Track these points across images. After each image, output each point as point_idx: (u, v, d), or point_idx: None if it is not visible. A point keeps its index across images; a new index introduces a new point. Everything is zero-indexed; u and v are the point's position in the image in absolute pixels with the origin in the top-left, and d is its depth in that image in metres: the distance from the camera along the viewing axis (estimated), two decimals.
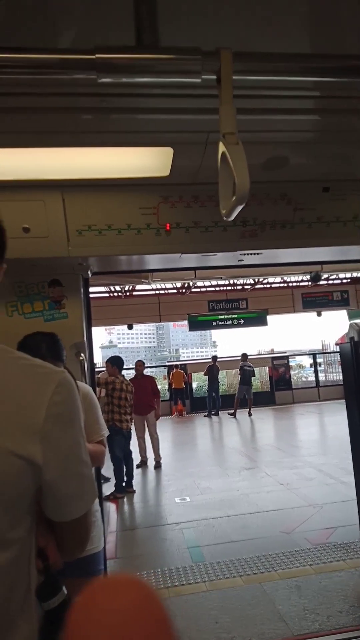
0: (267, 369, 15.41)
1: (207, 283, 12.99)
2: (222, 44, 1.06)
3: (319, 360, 16.39)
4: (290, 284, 13.66)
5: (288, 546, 3.98)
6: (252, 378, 13.06)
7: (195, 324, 13.02)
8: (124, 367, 6.55)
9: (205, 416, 12.97)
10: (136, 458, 7.02)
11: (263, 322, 13.27)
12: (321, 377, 15.98)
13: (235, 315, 12.97)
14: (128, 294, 12.71)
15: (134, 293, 12.86)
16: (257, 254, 2.48)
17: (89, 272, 2.46)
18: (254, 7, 1.21)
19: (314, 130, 1.95)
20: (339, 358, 5.88)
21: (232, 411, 12.41)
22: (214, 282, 12.96)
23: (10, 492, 0.72)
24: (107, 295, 12.48)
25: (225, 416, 12.60)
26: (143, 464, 7.50)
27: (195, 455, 8.60)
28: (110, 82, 1.04)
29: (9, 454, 0.71)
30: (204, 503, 5.48)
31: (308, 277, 11.41)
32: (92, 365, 2.53)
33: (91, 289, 2.90)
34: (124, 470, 6.15)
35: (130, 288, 12.22)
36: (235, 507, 5.24)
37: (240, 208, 1.07)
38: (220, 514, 5.05)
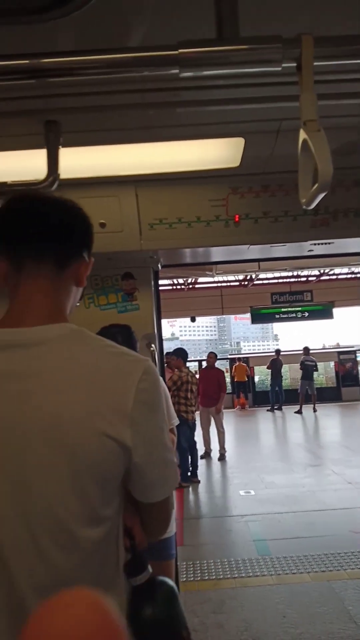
0: (332, 364, 14.81)
1: (269, 275, 12.70)
2: (302, 30, 1.04)
3: None
4: (358, 275, 12.98)
5: (357, 546, 3.85)
6: (315, 373, 12.63)
7: (258, 317, 12.77)
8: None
9: (268, 410, 12.77)
10: (200, 449, 7.10)
11: (329, 315, 12.72)
12: None
13: (299, 308, 12.53)
14: (191, 286, 12.76)
15: (197, 286, 12.89)
16: (328, 243, 2.40)
17: (159, 265, 2.52)
18: None
19: None
20: None
21: (298, 409, 12.08)
22: (277, 274, 12.64)
23: (104, 472, 0.77)
24: (170, 287, 12.62)
25: (288, 411, 12.32)
26: (207, 455, 7.56)
27: (259, 449, 8.51)
28: (190, 76, 1.05)
29: (103, 436, 0.76)
30: (268, 497, 5.43)
31: None
32: (162, 355, 2.60)
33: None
34: (189, 460, 6.25)
35: (193, 280, 12.27)
36: (301, 504, 5.14)
37: (321, 196, 1.05)
38: (285, 509, 4.98)
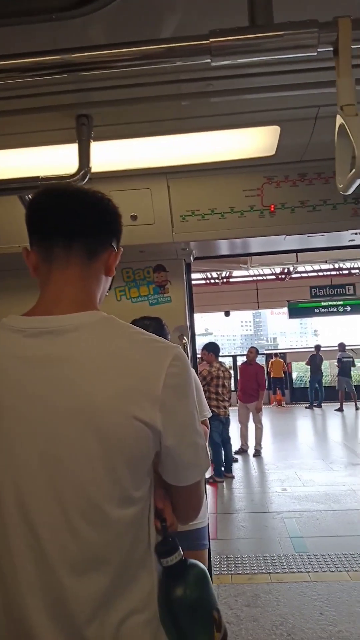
0: None
1: (308, 268, 12.38)
2: (337, 14, 1.01)
3: None
4: None
5: None
6: (352, 369, 12.22)
7: (296, 311, 12.44)
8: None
9: (306, 407, 12.50)
10: (235, 444, 7.06)
11: None
12: None
13: (341, 302, 12.11)
14: (225, 280, 12.64)
15: (231, 280, 12.76)
16: None
17: (192, 257, 2.51)
18: None
19: None
20: None
21: (339, 406, 11.75)
22: (316, 267, 12.31)
23: (135, 454, 0.79)
24: (203, 282, 12.56)
25: (328, 409, 12.02)
26: (243, 451, 7.51)
27: (297, 446, 8.37)
28: (223, 64, 1.04)
29: (133, 419, 0.78)
30: (306, 495, 5.34)
31: None
32: (194, 348, 2.59)
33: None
34: (223, 455, 6.23)
35: (227, 274, 12.15)
36: (341, 502, 5.02)
37: (359, 181, 1.02)
38: (324, 507, 4.88)
